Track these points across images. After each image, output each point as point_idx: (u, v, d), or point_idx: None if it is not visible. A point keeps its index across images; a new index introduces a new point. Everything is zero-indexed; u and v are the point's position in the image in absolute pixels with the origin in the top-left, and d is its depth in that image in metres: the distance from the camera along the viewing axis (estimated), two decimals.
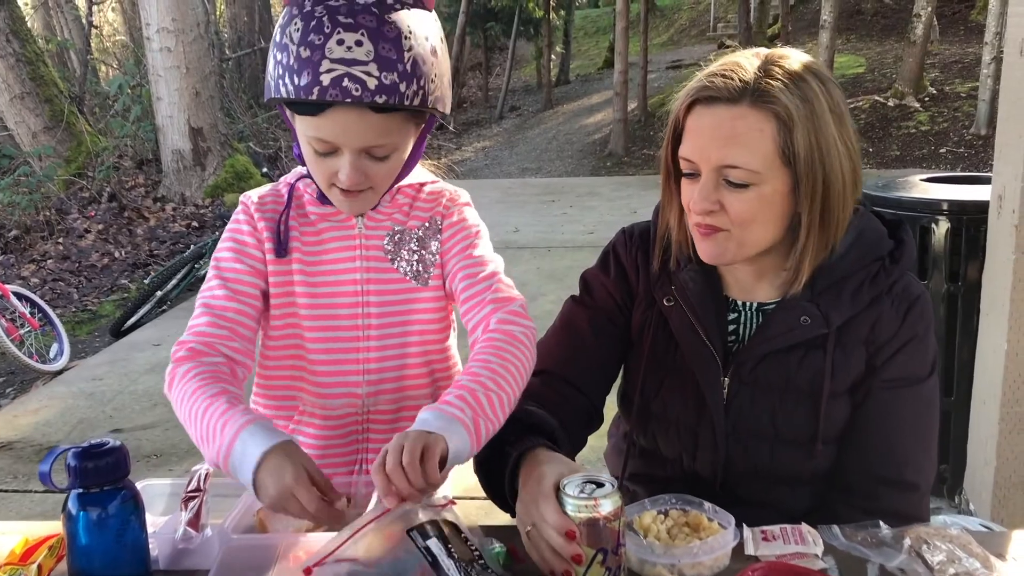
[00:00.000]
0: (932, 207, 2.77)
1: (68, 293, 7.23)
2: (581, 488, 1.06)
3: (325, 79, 1.18)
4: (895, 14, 17.62)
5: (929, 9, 11.70)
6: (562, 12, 20.96)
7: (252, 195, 1.46)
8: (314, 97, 1.19)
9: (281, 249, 1.40)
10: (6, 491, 3.66)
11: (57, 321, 5.62)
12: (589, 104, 18.28)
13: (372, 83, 1.19)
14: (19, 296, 5.40)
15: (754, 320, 1.34)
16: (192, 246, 7.23)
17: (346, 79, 1.18)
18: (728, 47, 17.24)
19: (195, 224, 9.11)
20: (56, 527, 1.23)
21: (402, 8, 1.24)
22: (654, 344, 1.39)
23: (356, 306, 1.42)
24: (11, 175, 8.92)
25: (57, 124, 9.57)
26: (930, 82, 12.91)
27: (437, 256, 1.44)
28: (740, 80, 1.18)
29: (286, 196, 1.43)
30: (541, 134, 16.30)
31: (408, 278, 1.43)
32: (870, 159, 11.27)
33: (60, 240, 8.27)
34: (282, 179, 1.47)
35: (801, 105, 1.16)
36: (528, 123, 17.68)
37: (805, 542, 1.17)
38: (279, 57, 1.23)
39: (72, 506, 1.10)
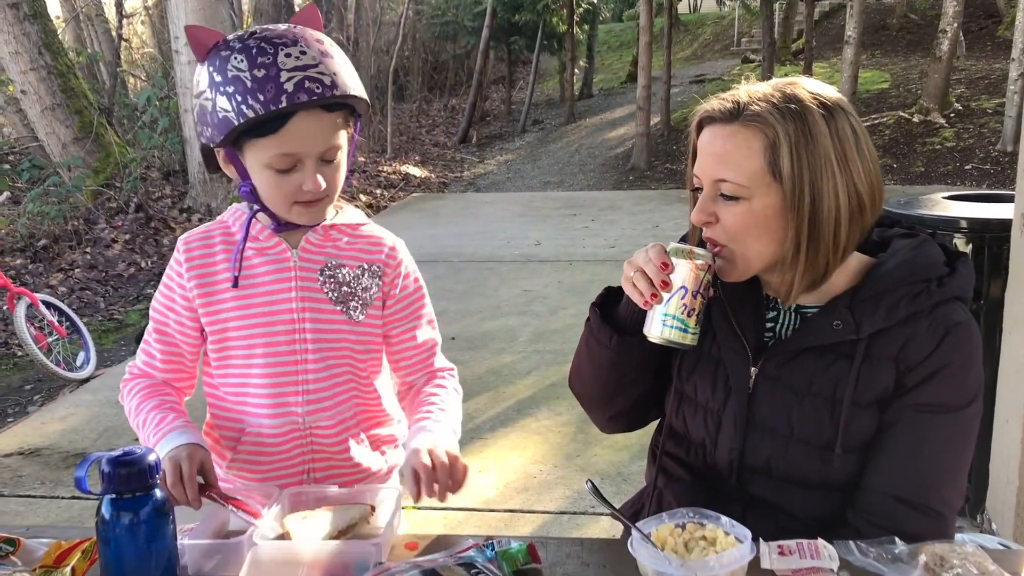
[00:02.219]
0: (953, 225, 2.77)
1: (95, 302, 7.32)
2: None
3: (288, 86, 1.31)
4: (921, 29, 17.55)
5: (955, 25, 11.65)
6: (586, 26, 21.02)
7: (185, 237, 1.57)
8: (283, 104, 1.31)
9: (235, 281, 1.51)
10: (35, 496, 3.72)
11: (84, 330, 5.70)
12: (612, 118, 18.29)
13: (327, 80, 1.34)
14: (47, 304, 5.48)
15: (792, 320, 1.39)
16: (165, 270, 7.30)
17: (307, 81, 1.32)
18: (752, 62, 17.17)
19: None
20: (87, 533, 1.27)
21: (311, 30, 1.41)
22: None
23: (293, 333, 1.51)
24: (41, 185, 9.05)
25: (86, 135, 9.71)
26: (956, 98, 12.83)
27: (374, 299, 1.56)
28: (733, 102, 1.28)
29: (245, 231, 1.51)
30: (563, 148, 16.33)
31: (341, 311, 1.53)
32: (894, 175, 11.22)
33: (88, 250, 8.37)
34: (222, 216, 1.57)
35: (791, 127, 1.23)
36: (550, 137, 17.72)
37: (821, 557, 1.19)
38: (231, 89, 1.33)
39: (105, 511, 1.13)
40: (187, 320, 1.54)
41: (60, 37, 10.92)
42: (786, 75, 1.36)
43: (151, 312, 1.59)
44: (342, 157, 1.44)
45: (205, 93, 1.37)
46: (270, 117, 1.32)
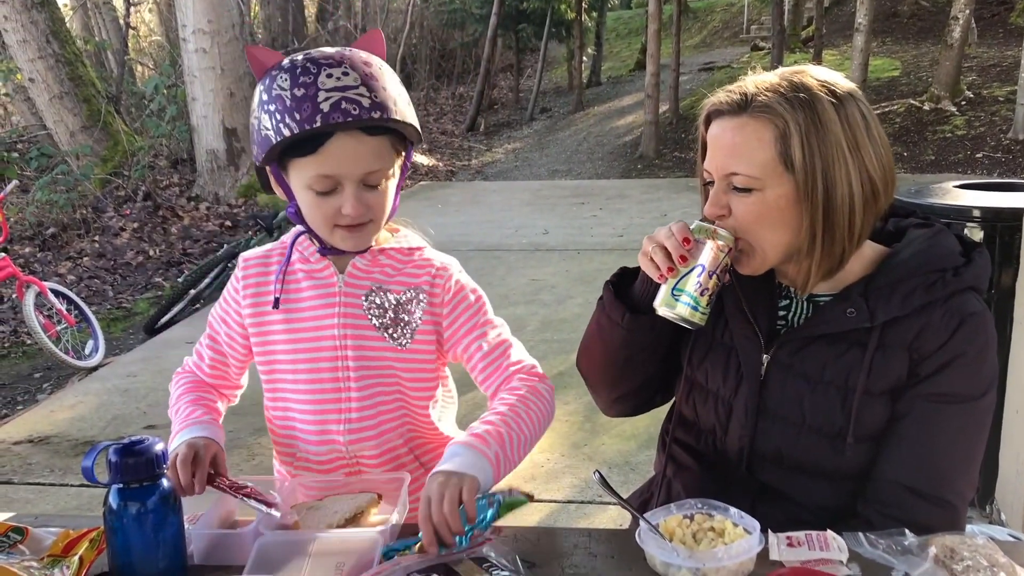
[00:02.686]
0: (966, 214, 2.75)
1: (103, 291, 7.35)
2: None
3: (324, 106, 1.30)
4: (932, 16, 17.42)
5: (967, 12, 11.56)
6: (594, 14, 20.91)
7: (245, 255, 1.58)
8: (318, 124, 1.29)
9: (276, 302, 1.50)
10: (44, 484, 3.74)
11: (93, 318, 5.72)
12: (620, 106, 18.23)
13: (366, 102, 1.32)
14: (56, 293, 5.50)
15: (805, 308, 1.39)
16: (225, 245, 7.33)
17: (343, 102, 1.30)
18: (761, 50, 17.03)
19: (228, 224, 9.22)
20: (96, 521, 1.27)
21: (367, 55, 1.39)
22: None
23: (336, 360, 1.48)
24: (49, 174, 9.07)
25: (94, 124, 9.72)
26: (967, 86, 12.74)
27: (418, 323, 1.50)
28: (741, 94, 1.28)
29: (288, 252, 1.52)
30: (572, 136, 16.28)
31: (385, 337, 1.49)
32: (905, 164, 11.15)
33: (96, 238, 8.40)
34: (284, 237, 1.56)
35: (801, 116, 1.23)
36: (559, 125, 17.67)
37: (830, 548, 1.18)
38: (272, 108, 1.33)
39: (112, 500, 1.13)
40: (237, 336, 1.56)
41: (68, 25, 10.92)
42: (795, 63, 1.35)
43: (209, 317, 1.60)
44: (389, 184, 1.42)
45: (254, 112, 1.38)
46: (306, 136, 1.31)
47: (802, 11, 19.10)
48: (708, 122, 1.34)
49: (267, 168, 1.41)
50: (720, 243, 1.27)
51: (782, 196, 1.26)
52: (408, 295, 1.50)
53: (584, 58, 20.02)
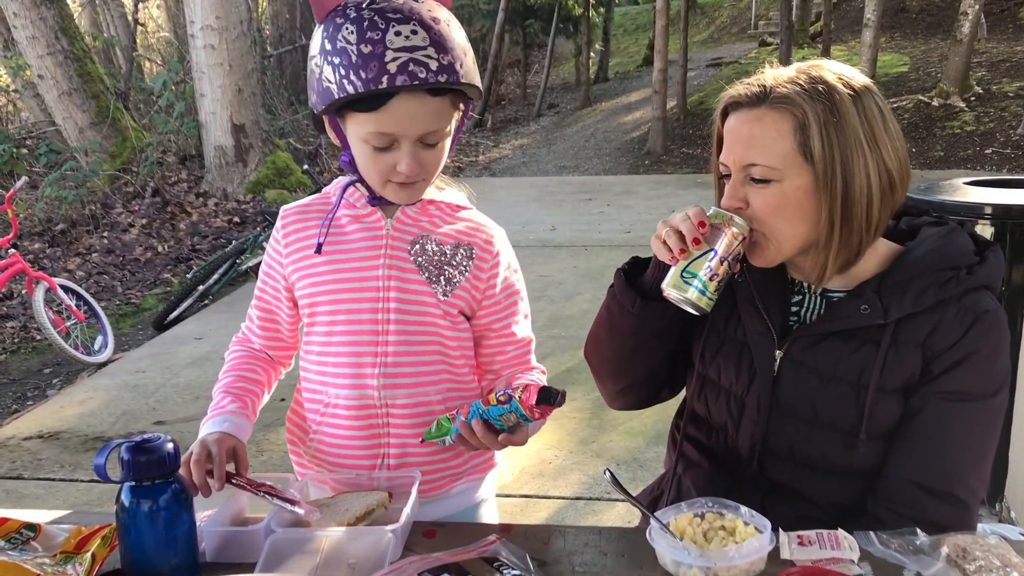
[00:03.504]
0: (975, 211, 2.73)
1: (112, 286, 7.37)
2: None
3: (392, 67, 1.27)
4: (941, 12, 17.33)
5: (977, 7, 11.50)
6: (601, 9, 20.88)
7: (285, 208, 1.58)
8: (384, 85, 1.28)
9: (319, 248, 1.50)
10: (54, 479, 3.75)
11: (102, 314, 5.73)
12: (628, 102, 18.20)
13: (434, 65, 1.29)
14: (65, 289, 5.51)
15: (817, 304, 1.39)
16: (234, 241, 7.33)
17: (411, 64, 1.28)
18: (769, 45, 16.96)
19: (237, 220, 9.23)
20: (107, 517, 1.27)
21: (429, 2, 1.35)
22: (718, 314, 1.45)
23: (377, 302, 1.47)
24: (58, 170, 9.10)
25: (103, 120, 9.74)
26: (976, 81, 12.68)
27: (462, 280, 1.51)
28: (760, 86, 1.28)
29: (337, 201, 1.52)
30: (579, 132, 16.26)
31: (429, 283, 1.49)
32: (913, 160, 11.11)
33: (105, 234, 8.42)
34: (326, 189, 1.57)
35: (819, 107, 1.23)
36: (566, 121, 17.64)
37: (841, 547, 1.18)
38: (337, 61, 1.30)
39: (125, 498, 1.14)
40: (283, 290, 1.55)
41: (76, 21, 10.94)
42: (804, 58, 1.35)
43: (257, 280, 1.61)
44: (446, 143, 1.42)
45: (316, 59, 1.35)
46: (370, 95, 1.30)
47: (810, 6, 19.03)
48: (725, 115, 1.34)
49: (324, 116, 1.40)
50: (735, 230, 1.27)
51: (800, 188, 1.26)
52: (455, 250, 1.51)
53: (591, 54, 20.00)
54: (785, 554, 1.18)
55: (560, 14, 19.02)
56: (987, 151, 11.05)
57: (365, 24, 1.29)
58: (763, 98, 1.27)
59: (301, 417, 1.59)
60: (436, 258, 1.49)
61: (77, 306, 5.54)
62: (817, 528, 1.23)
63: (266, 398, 1.61)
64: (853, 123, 1.24)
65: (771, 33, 19.76)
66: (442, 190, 1.58)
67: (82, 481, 3.71)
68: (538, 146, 15.51)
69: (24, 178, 6.09)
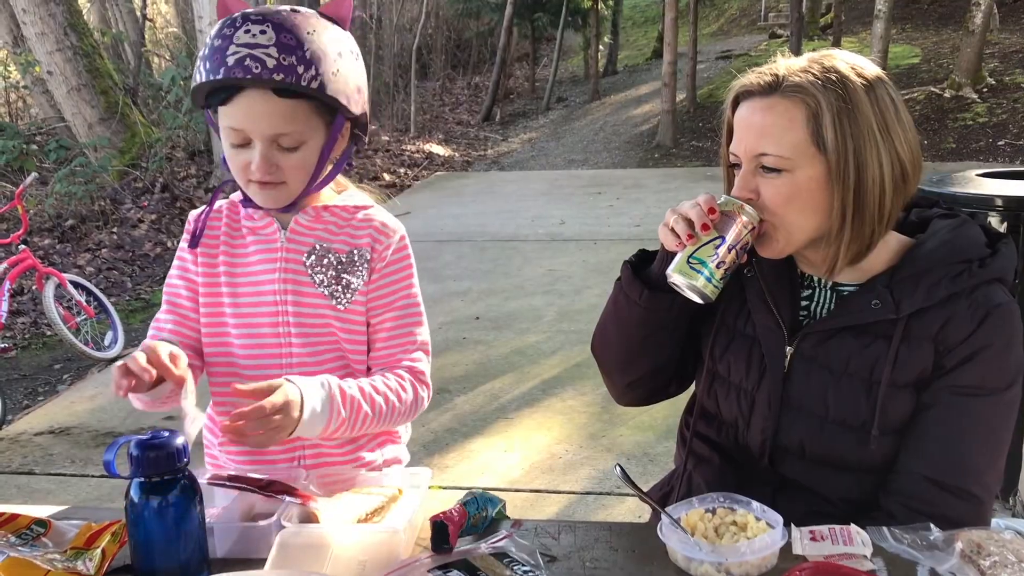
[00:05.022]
0: (987, 203, 2.72)
1: (122, 282, 7.39)
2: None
3: (230, 60, 1.32)
4: (953, 2, 17.21)
5: None
6: (610, 2, 20.79)
7: (191, 214, 1.59)
8: (219, 76, 1.32)
9: (193, 240, 1.52)
10: (64, 475, 3.77)
11: (112, 309, 5.75)
12: (637, 95, 18.13)
13: (271, 63, 1.32)
14: (75, 285, 5.53)
15: (827, 298, 1.38)
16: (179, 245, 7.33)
17: (248, 59, 1.32)
18: (779, 37, 16.86)
19: None
20: (117, 513, 1.27)
21: (312, 17, 1.39)
22: (727, 309, 1.45)
23: (276, 315, 1.49)
24: (68, 166, 9.12)
25: (112, 115, 9.76)
26: (989, 72, 12.60)
27: (360, 285, 1.51)
28: (772, 75, 1.27)
29: (213, 197, 1.55)
30: (588, 125, 16.22)
31: (325, 295, 1.49)
32: (925, 152, 10.97)
33: (114, 230, 8.44)
34: (229, 198, 1.60)
35: (832, 96, 1.22)
36: (575, 114, 17.60)
37: (854, 543, 1.17)
38: (200, 54, 1.37)
39: (134, 494, 1.13)
40: (192, 292, 1.56)
41: (85, 17, 10.96)
42: (814, 50, 1.34)
43: (166, 288, 1.59)
44: (306, 150, 1.41)
45: None
46: (219, 87, 1.35)
47: None
48: (735, 105, 1.33)
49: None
50: (745, 219, 1.25)
51: (812, 178, 1.25)
52: (351, 256, 1.51)
53: (600, 47, 19.94)
54: (797, 549, 1.17)
55: (569, 7, 18.95)
56: (999, 143, 10.97)
57: (228, 22, 1.36)
58: (775, 87, 1.26)
59: (215, 422, 1.60)
60: (332, 268, 1.50)
61: (87, 302, 5.56)
62: (829, 523, 1.22)
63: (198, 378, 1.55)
64: (866, 113, 1.23)
65: (781, 25, 19.66)
66: (344, 190, 1.57)
67: (93, 476, 3.73)
68: (547, 140, 15.48)
69: (34, 174, 6.09)
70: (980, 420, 1.27)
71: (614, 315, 1.47)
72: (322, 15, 1.42)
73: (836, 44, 14.81)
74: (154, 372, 1.28)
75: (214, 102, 1.39)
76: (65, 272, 5.75)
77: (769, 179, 1.27)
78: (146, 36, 14.66)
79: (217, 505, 1.36)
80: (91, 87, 9.62)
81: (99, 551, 1.19)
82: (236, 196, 1.57)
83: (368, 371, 1.56)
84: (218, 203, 1.58)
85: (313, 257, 1.50)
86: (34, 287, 5.87)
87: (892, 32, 13.30)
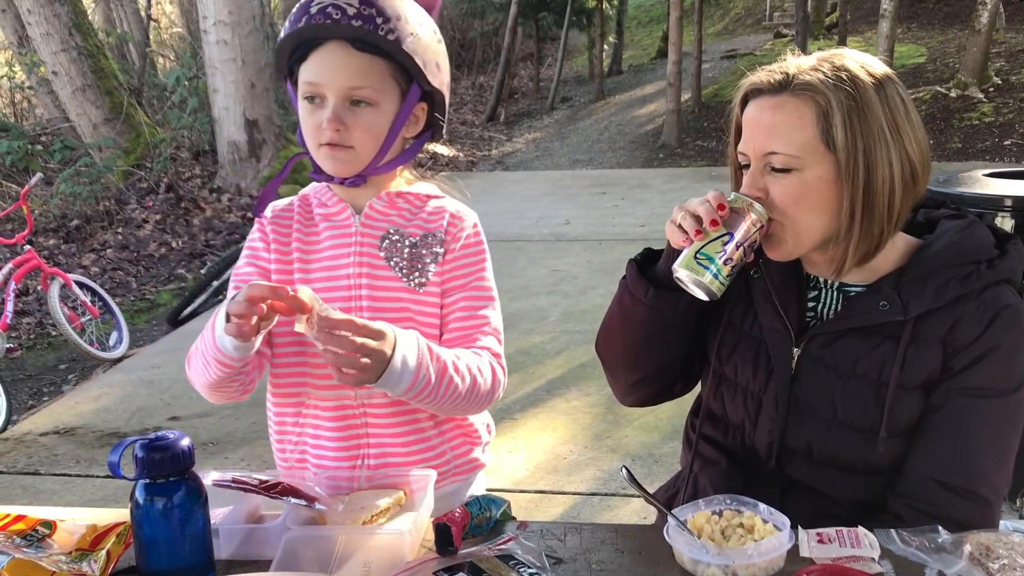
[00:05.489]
0: (995, 203, 2.71)
1: (127, 282, 7.40)
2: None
3: (313, 9, 1.36)
4: (958, 2, 17.17)
5: None
6: (615, 2, 20.78)
7: (272, 205, 1.58)
8: (301, 25, 1.36)
9: (261, 205, 1.54)
10: (69, 475, 3.77)
11: (117, 310, 5.76)
12: (642, 95, 18.12)
13: (351, 11, 1.35)
14: (80, 285, 5.54)
15: (834, 300, 1.37)
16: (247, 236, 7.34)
17: (330, 7, 1.35)
18: (784, 36, 16.81)
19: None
20: (122, 514, 1.27)
21: None
22: (734, 310, 1.44)
23: (349, 300, 1.47)
24: (73, 166, 9.14)
25: (117, 116, 9.78)
26: (995, 72, 12.56)
27: (434, 267, 1.49)
28: (782, 73, 1.26)
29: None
30: (592, 125, 16.21)
31: (401, 278, 1.48)
32: (931, 152, 10.99)
33: (119, 230, 8.45)
34: (304, 191, 1.59)
35: (843, 95, 1.22)
36: (579, 114, 17.58)
37: (861, 545, 1.16)
38: (288, 18, 1.41)
39: (139, 495, 1.13)
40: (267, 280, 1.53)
41: (90, 18, 10.98)
42: (819, 50, 1.33)
43: (232, 279, 1.56)
44: (378, 113, 1.41)
45: None
46: (299, 41, 1.39)
47: None
48: (744, 103, 1.32)
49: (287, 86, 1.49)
50: (754, 216, 1.24)
51: (822, 177, 1.24)
52: (425, 238, 1.50)
53: (605, 46, 19.93)
54: (804, 552, 1.17)
55: (573, 7, 18.93)
56: (1006, 143, 10.94)
57: None
58: (785, 85, 1.25)
59: (279, 423, 1.58)
60: (407, 251, 1.49)
61: (92, 302, 5.57)
62: (836, 526, 1.21)
63: (259, 375, 1.53)
64: (876, 112, 1.22)
65: (786, 24, 19.63)
66: (411, 183, 1.57)
67: (97, 477, 3.73)
68: (551, 139, 15.47)
69: (39, 174, 6.10)
70: (988, 422, 1.26)
71: (619, 314, 1.46)
72: None
73: (841, 43, 14.77)
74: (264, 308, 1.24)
75: (296, 61, 1.42)
76: (70, 272, 5.76)
77: (778, 179, 1.26)
78: (151, 36, 14.71)
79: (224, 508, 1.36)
80: (96, 87, 9.64)
81: (104, 552, 1.19)
82: (307, 190, 1.57)
83: None
84: (289, 199, 1.58)
85: (387, 241, 1.49)
86: (39, 287, 5.88)
87: (898, 31, 13.27)
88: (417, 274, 1.49)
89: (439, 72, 1.46)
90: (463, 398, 1.40)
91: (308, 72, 1.40)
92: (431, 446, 1.53)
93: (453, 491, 1.57)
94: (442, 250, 1.50)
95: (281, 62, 1.45)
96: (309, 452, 1.54)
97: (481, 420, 1.64)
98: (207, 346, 1.38)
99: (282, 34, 1.41)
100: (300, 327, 1.23)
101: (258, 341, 1.35)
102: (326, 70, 1.38)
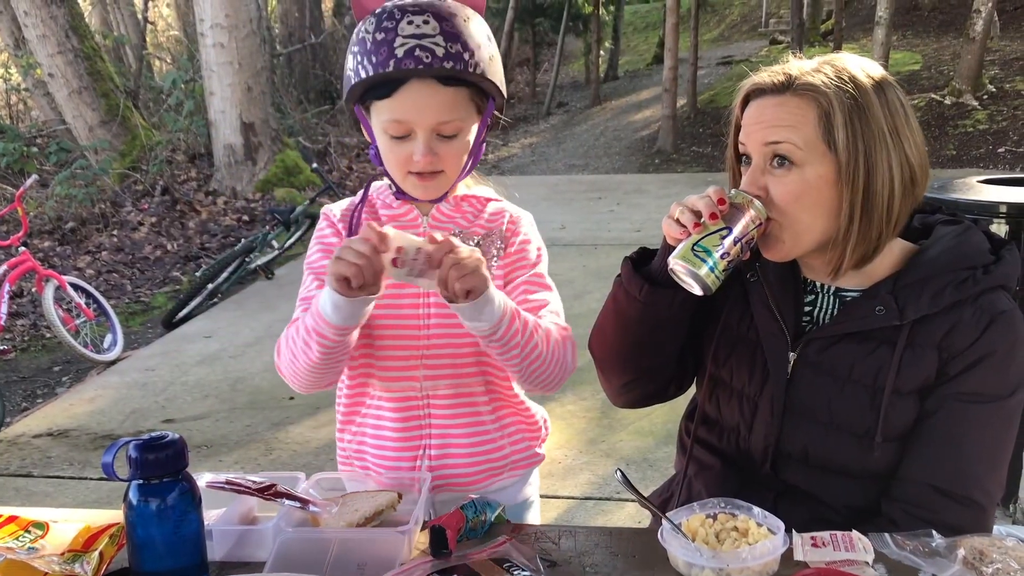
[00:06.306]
0: (989, 209, 2.71)
1: (122, 284, 7.38)
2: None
3: (399, 51, 1.33)
4: (953, 9, 17.25)
5: (989, 4, 11.43)
6: (611, 8, 20.83)
7: (333, 208, 1.59)
8: (390, 69, 1.33)
9: (351, 233, 1.52)
10: (63, 477, 3.76)
11: (111, 312, 5.75)
12: (637, 100, 18.16)
13: (440, 51, 1.34)
14: (75, 287, 5.53)
15: (830, 304, 1.37)
16: (243, 240, 7.35)
17: (417, 50, 1.33)
18: (780, 43, 16.90)
19: (246, 218, 9.24)
20: (115, 515, 1.27)
21: (459, 5, 1.41)
22: (730, 314, 1.44)
23: (418, 296, 1.49)
24: (68, 168, 9.13)
25: (113, 118, 9.77)
26: (989, 79, 12.61)
27: (496, 262, 1.52)
28: (784, 74, 1.27)
29: (360, 195, 1.55)
30: (588, 130, 16.24)
31: None
32: None
33: (114, 232, 8.45)
34: (358, 194, 1.59)
35: (845, 97, 1.22)
36: (576, 119, 17.62)
37: (855, 549, 1.16)
38: (355, 50, 1.38)
39: (132, 496, 1.13)
40: None
41: (87, 20, 10.97)
42: (816, 56, 1.33)
43: (309, 272, 1.55)
44: (464, 138, 1.43)
45: (346, 54, 1.43)
46: (382, 80, 1.35)
47: (821, 4, 18.97)
48: (745, 104, 1.32)
49: (353, 108, 1.46)
50: (754, 213, 1.24)
51: (822, 176, 1.24)
52: (487, 240, 1.52)
53: (601, 52, 19.96)
54: (799, 555, 1.17)
55: (570, 12, 18.98)
56: (1000, 150, 10.98)
57: (384, 16, 1.36)
58: (788, 85, 1.25)
59: (344, 413, 1.60)
60: (473, 244, 1.50)
61: (87, 304, 5.56)
62: (831, 530, 1.21)
63: (345, 362, 1.51)
64: (877, 115, 1.22)
65: (782, 31, 19.71)
66: (470, 186, 1.59)
67: (91, 479, 3.72)
68: (547, 144, 15.49)
69: (34, 176, 6.09)
70: (983, 427, 1.26)
71: (613, 312, 1.46)
72: (460, 2, 1.43)
73: (837, 50, 14.84)
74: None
75: (373, 97, 1.40)
76: (65, 274, 5.75)
77: (779, 176, 1.26)
78: (147, 39, 14.69)
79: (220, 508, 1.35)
80: (92, 90, 9.64)
81: (97, 554, 1.18)
82: (375, 190, 1.57)
83: None
84: (349, 200, 1.59)
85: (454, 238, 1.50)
86: (33, 289, 5.87)
87: (893, 38, 13.32)
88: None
89: (502, 81, 1.48)
90: (546, 358, 1.44)
91: (394, 110, 1.38)
92: (491, 439, 1.55)
93: (508, 487, 1.60)
94: (503, 245, 1.54)
95: (353, 97, 1.42)
96: (368, 444, 1.56)
97: (540, 415, 1.67)
98: (309, 325, 1.37)
99: (357, 72, 1.37)
100: (393, 273, 1.27)
101: (369, 307, 1.35)
102: (415, 108, 1.37)
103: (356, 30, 1.40)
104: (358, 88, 1.39)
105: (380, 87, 1.37)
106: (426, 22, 1.34)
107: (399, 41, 1.33)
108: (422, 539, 1.26)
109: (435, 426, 1.53)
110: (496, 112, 1.51)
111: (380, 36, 1.34)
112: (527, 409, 1.64)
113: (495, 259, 1.52)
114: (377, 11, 1.38)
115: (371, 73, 1.35)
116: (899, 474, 1.30)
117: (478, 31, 1.40)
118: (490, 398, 1.55)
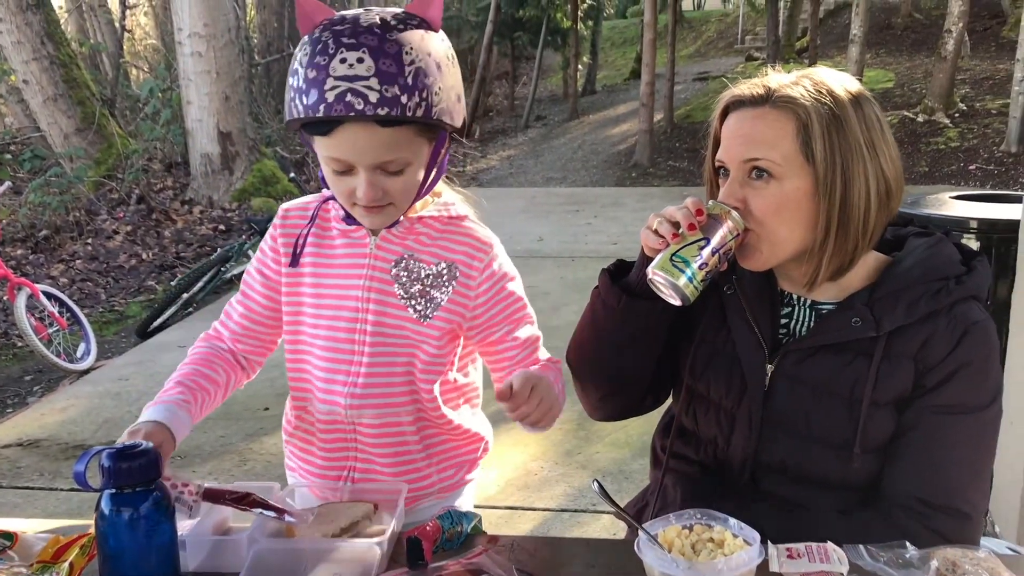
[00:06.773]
0: (961, 225, 2.75)
1: (96, 293, 7.31)
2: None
3: (330, 96, 1.25)
4: (925, 29, 17.51)
5: (960, 25, 11.63)
6: (590, 23, 20.97)
7: (286, 206, 1.55)
8: (320, 114, 1.26)
9: (295, 260, 1.49)
10: (32, 488, 3.71)
11: (85, 321, 5.68)
12: (615, 115, 18.26)
13: (374, 96, 1.25)
14: (48, 296, 5.47)
15: (807, 316, 1.38)
16: (219, 249, 7.30)
17: (349, 94, 1.24)
18: (755, 59, 17.09)
19: (222, 227, 9.19)
20: (86, 527, 1.25)
21: (406, 28, 1.29)
22: (707, 326, 1.44)
23: (355, 321, 1.46)
24: (43, 176, 9.04)
25: (88, 126, 9.70)
26: (960, 98, 12.81)
27: (444, 301, 1.47)
28: (763, 86, 1.28)
29: (312, 212, 1.51)
30: (566, 144, 16.30)
31: (407, 307, 1.46)
32: None
33: (89, 241, 8.36)
34: (321, 193, 1.54)
35: (823, 110, 1.23)
36: (554, 133, 17.68)
37: (830, 560, 1.17)
38: (291, 81, 1.30)
39: (105, 506, 1.11)
40: (272, 289, 1.53)
41: (63, 27, 10.89)
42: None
43: (244, 276, 1.57)
44: (412, 171, 1.36)
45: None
46: (314, 121, 1.28)
47: (797, 22, 19.17)
48: (724, 116, 1.33)
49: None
50: (731, 224, 1.24)
51: (800, 188, 1.25)
52: (440, 268, 1.47)
53: (580, 66, 20.07)
54: (774, 567, 1.17)
55: (549, 27, 19.07)
56: (971, 167, 11.14)
57: (318, 47, 1.27)
58: (767, 98, 1.26)
59: (288, 421, 1.60)
60: (418, 280, 1.46)
61: (60, 313, 5.50)
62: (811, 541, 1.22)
63: (219, 400, 1.54)
64: (854, 128, 1.24)
65: (758, 48, 19.91)
66: (438, 196, 1.53)
67: (62, 490, 3.67)
68: (525, 157, 15.53)
69: (7, 183, 6.04)
70: (963, 438, 1.27)
71: (591, 323, 1.46)
72: (409, 17, 1.32)
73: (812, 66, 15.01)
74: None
75: (312, 132, 1.33)
76: (38, 283, 5.68)
77: (757, 188, 1.27)
78: (125, 47, 14.60)
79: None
80: (68, 97, 9.56)
81: (67, 564, 1.17)
82: (328, 193, 1.50)
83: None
84: (306, 200, 1.55)
85: (400, 266, 1.47)
86: (5, 298, 5.78)
87: (867, 57, 13.51)
88: (424, 304, 1.46)
89: (460, 104, 1.40)
90: (561, 400, 1.43)
91: (332, 149, 1.31)
92: (416, 468, 1.53)
93: (433, 506, 1.57)
94: (454, 285, 1.47)
95: (292, 127, 1.35)
96: (296, 458, 1.57)
97: (480, 442, 1.66)
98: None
99: (292, 109, 1.31)
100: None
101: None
102: (353, 150, 1.30)
103: (295, 52, 1.31)
104: (295, 122, 1.32)
105: (315, 126, 1.30)
106: (360, 60, 1.24)
107: (330, 84, 1.24)
108: (397, 551, 1.26)
109: (360, 451, 1.51)
110: (456, 136, 1.44)
111: (312, 74, 1.26)
112: (465, 433, 1.60)
113: (443, 299, 1.47)
114: (315, 35, 1.29)
115: (302, 115, 1.28)
116: (883, 488, 1.31)
117: (424, 63, 1.29)
118: (418, 428, 1.52)
